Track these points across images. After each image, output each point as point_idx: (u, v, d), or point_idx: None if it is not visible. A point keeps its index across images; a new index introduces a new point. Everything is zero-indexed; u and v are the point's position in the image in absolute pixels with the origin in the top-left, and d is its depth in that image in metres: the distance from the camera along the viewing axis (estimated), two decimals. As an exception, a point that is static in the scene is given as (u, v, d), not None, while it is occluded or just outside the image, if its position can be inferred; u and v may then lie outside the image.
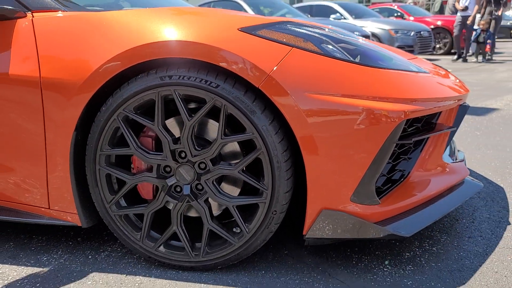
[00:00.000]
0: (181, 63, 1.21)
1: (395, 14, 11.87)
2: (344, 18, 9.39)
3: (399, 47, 8.12)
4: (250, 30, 1.20)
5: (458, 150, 1.82)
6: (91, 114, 1.31)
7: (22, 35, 1.31)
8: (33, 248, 1.52)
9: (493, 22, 8.53)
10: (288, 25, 1.30)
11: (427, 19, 10.68)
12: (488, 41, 8.52)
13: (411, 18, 11.51)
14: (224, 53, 1.15)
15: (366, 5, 11.03)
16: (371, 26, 8.80)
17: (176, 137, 1.28)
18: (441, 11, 13.51)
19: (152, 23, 1.24)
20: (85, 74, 1.23)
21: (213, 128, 1.30)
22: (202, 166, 1.27)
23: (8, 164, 1.41)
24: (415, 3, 19.07)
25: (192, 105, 1.37)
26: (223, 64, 1.16)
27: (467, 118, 3.42)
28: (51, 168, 1.35)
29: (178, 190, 1.31)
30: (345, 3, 10.96)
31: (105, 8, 1.76)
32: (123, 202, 1.35)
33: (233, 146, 1.30)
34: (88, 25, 1.28)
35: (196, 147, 1.25)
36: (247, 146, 1.30)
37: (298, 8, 9.96)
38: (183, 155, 1.28)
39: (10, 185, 1.43)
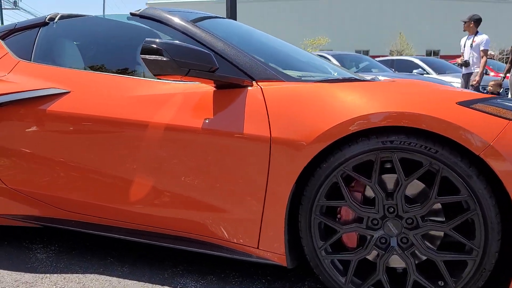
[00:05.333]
0: (400, 130, 1.40)
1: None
2: (427, 73, 9.42)
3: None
4: (467, 104, 1.38)
5: None
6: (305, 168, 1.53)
7: (252, 100, 1.59)
8: (233, 283, 1.73)
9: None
10: (498, 100, 1.46)
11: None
12: None
13: (492, 73, 11.24)
14: (447, 124, 1.32)
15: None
16: (458, 81, 8.74)
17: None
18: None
19: (377, 96, 1.46)
20: (312, 136, 1.45)
21: (415, 187, 1.46)
22: (409, 221, 1.42)
23: (222, 206, 1.65)
24: (491, 57, 18.60)
25: (388, 165, 1.55)
26: (444, 133, 1.33)
27: None
28: (267, 214, 1.56)
29: (383, 241, 1.46)
30: (426, 58, 11.02)
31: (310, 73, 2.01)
32: (328, 248, 1.53)
33: (436, 204, 1.44)
34: (313, 94, 1.53)
35: (407, 204, 1.41)
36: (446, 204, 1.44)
37: (380, 62, 10.18)
38: (391, 210, 1.44)
39: (221, 224, 1.67)
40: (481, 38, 6.18)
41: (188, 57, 1.50)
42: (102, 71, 1.97)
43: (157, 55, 1.49)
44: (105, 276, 1.80)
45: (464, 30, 6.37)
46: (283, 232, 1.55)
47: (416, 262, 1.47)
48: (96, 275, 1.81)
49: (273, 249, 1.59)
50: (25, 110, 1.87)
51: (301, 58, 2.22)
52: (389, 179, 1.49)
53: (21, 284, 1.73)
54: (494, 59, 18.12)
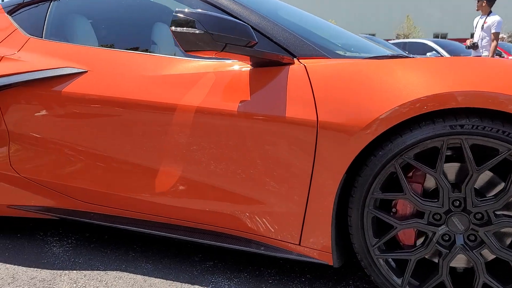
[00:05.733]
0: (470, 113, 1.22)
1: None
2: (441, 56, 9.14)
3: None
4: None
5: None
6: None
7: (295, 79, 1.41)
8: (270, 282, 1.58)
9: None
10: None
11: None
12: None
13: (510, 57, 10.93)
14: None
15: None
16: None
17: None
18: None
19: (442, 73, 1.26)
20: (366, 120, 1.27)
21: (481, 177, 1.28)
22: (478, 216, 1.25)
23: (259, 198, 1.48)
24: (502, 40, 18.06)
25: (448, 153, 1.37)
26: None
27: None
28: (311, 207, 1.40)
29: (446, 239, 1.29)
30: (439, 40, 10.70)
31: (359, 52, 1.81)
32: (382, 246, 1.36)
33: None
34: (367, 72, 1.35)
35: (477, 197, 1.23)
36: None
37: (393, 44, 9.89)
38: (456, 203, 1.27)
39: (258, 218, 1.51)
40: (492, 19, 5.75)
41: (224, 30, 1.32)
42: (121, 49, 1.78)
43: (189, 27, 1.31)
44: (128, 273, 1.64)
45: (477, 10, 6.00)
46: (330, 227, 1.38)
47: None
48: (118, 272, 1.66)
49: (317, 246, 1.42)
50: (38, 91, 1.70)
51: (338, 34, 2.02)
52: (450, 169, 1.32)
53: (38, 282, 1.58)
54: (504, 41, 17.65)
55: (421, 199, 1.28)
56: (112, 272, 1.65)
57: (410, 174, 1.35)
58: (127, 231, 1.75)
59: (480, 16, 6.00)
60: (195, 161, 1.53)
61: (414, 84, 1.25)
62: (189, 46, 1.33)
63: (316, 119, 1.34)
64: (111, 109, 1.60)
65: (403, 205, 1.34)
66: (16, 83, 1.70)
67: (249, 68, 1.49)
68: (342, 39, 1.95)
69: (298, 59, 1.47)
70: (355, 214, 1.35)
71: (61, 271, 1.67)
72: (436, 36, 31.96)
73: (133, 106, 1.56)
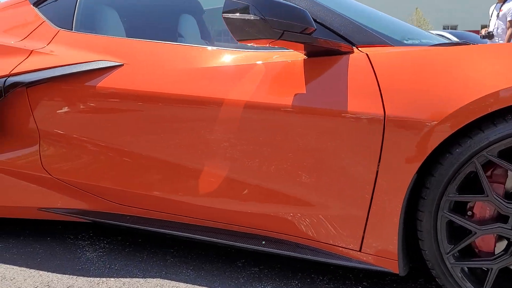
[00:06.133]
0: None
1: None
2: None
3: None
4: None
5: None
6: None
7: (356, 69, 1.28)
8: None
9: None
10: None
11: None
12: None
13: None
14: None
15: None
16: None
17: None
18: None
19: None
20: (442, 113, 1.14)
21: None
22: None
23: (314, 199, 1.36)
24: None
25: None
26: None
27: None
28: (375, 210, 1.27)
29: (533, 245, 1.17)
30: (456, 32, 10.47)
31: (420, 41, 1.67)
32: (456, 253, 1.23)
33: None
34: (440, 61, 1.21)
35: None
36: None
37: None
38: (545, 206, 1.13)
39: (312, 221, 1.39)
40: (508, 6, 5.48)
41: (282, 16, 1.19)
42: (158, 40, 1.66)
43: (242, 13, 1.19)
44: (170, 281, 1.53)
45: None
46: (397, 232, 1.26)
47: None
48: (159, 279, 1.55)
49: (380, 252, 1.30)
50: (71, 86, 1.58)
51: (388, 20, 1.87)
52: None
53: (75, 291, 1.48)
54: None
55: (505, 201, 1.15)
56: (152, 280, 1.54)
57: (489, 173, 1.21)
58: (166, 235, 1.64)
59: (495, 4, 5.77)
60: (244, 160, 1.41)
61: (501, 72, 1.12)
62: (243, 34, 1.21)
63: (383, 113, 1.21)
64: (150, 105, 1.49)
65: (481, 208, 1.21)
66: (47, 78, 1.59)
67: (301, 58, 1.36)
68: (389, 25, 1.80)
69: (357, 47, 1.34)
70: (426, 218, 1.22)
71: (98, 278, 1.56)
72: (445, 28, 31.48)
73: (176, 101, 1.44)
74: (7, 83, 1.58)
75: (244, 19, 1.18)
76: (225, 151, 1.42)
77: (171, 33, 1.99)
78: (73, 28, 1.76)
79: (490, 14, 5.78)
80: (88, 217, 1.71)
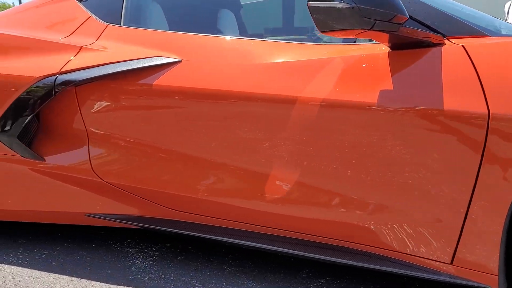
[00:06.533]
0: None
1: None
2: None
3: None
4: None
5: None
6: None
7: (451, 63, 1.15)
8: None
9: None
10: None
11: None
12: None
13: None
14: None
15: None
16: None
17: None
18: None
19: None
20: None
21: None
22: None
23: (401, 206, 1.23)
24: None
25: None
26: None
27: None
28: (473, 219, 1.14)
29: None
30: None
31: None
32: None
33: None
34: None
35: None
36: None
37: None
38: None
39: (394, 230, 1.26)
40: None
41: (374, 3, 1.07)
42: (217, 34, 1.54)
43: (331, 0, 1.06)
44: (232, 293, 1.43)
45: None
46: (499, 244, 1.13)
47: None
48: (221, 291, 1.44)
49: (477, 266, 1.17)
50: (124, 85, 1.48)
51: (468, 9, 1.71)
52: None
53: (132, 305, 1.38)
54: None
55: None
56: (213, 292, 1.44)
57: None
58: (224, 243, 1.53)
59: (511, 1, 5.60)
60: (317, 163, 1.29)
61: None
62: (327, 25, 1.09)
63: (487, 112, 1.08)
64: (213, 104, 1.37)
65: None
66: (98, 76, 1.48)
67: (383, 52, 1.24)
68: (474, 14, 1.65)
69: (447, 39, 1.21)
70: (535, 228, 1.09)
71: (154, 290, 1.46)
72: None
73: (243, 100, 1.32)
74: (57, 82, 1.47)
75: (332, 7, 1.06)
76: (299, 154, 1.30)
77: (214, 28, 1.88)
78: (122, 23, 1.65)
79: (506, 12, 5.59)
80: (139, 223, 1.61)
